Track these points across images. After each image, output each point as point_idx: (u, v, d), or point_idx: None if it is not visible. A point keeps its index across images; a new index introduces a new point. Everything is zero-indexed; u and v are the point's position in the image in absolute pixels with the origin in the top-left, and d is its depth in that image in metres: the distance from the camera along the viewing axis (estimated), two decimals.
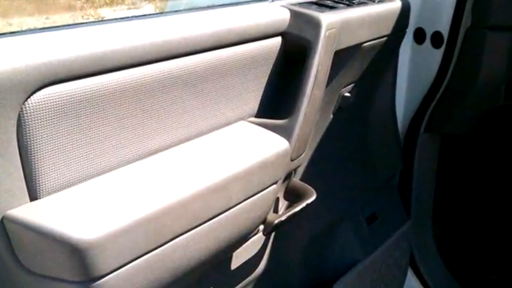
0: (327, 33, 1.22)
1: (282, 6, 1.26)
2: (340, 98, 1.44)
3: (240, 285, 1.28)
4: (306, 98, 1.21)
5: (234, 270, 1.23)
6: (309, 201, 1.26)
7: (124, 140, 0.96)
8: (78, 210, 0.85)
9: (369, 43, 1.41)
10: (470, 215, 2.17)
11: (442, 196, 1.99)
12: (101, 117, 0.91)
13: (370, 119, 1.67)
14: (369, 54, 1.46)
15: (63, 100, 0.85)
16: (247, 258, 1.26)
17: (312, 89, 1.21)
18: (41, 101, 0.83)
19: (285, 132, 1.19)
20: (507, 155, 2.16)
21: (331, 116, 1.45)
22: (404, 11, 1.53)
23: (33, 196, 0.85)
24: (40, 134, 0.83)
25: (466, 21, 1.63)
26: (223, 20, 1.12)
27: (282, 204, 1.33)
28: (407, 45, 1.70)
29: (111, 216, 0.85)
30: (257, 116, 1.25)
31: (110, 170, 0.95)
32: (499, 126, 1.95)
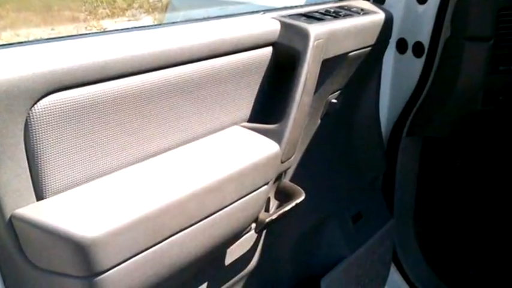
0: (315, 43, 1.23)
1: (272, 18, 1.26)
2: (327, 104, 1.44)
3: (234, 279, 1.28)
4: (295, 104, 1.21)
5: (228, 265, 1.23)
6: (298, 201, 1.26)
7: (124, 144, 0.97)
8: (81, 209, 0.85)
9: (354, 52, 1.41)
10: (450, 214, 2.17)
11: (423, 196, 1.99)
12: (103, 122, 0.92)
13: (356, 123, 1.66)
14: (354, 63, 1.46)
15: (68, 106, 0.86)
16: (240, 255, 1.26)
17: (301, 95, 1.22)
18: (47, 107, 0.83)
19: (275, 136, 1.19)
20: (484, 157, 2.16)
21: (319, 121, 1.45)
22: (388, 23, 1.53)
23: (39, 196, 0.86)
24: (46, 137, 0.84)
25: (446, 32, 1.62)
26: (218, 31, 1.12)
27: (273, 203, 1.33)
28: (390, 55, 1.70)
29: (112, 215, 0.86)
30: (249, 121, 1.25)
31: (112, 171, 0.95)
32: (476, 130, 1.95)
